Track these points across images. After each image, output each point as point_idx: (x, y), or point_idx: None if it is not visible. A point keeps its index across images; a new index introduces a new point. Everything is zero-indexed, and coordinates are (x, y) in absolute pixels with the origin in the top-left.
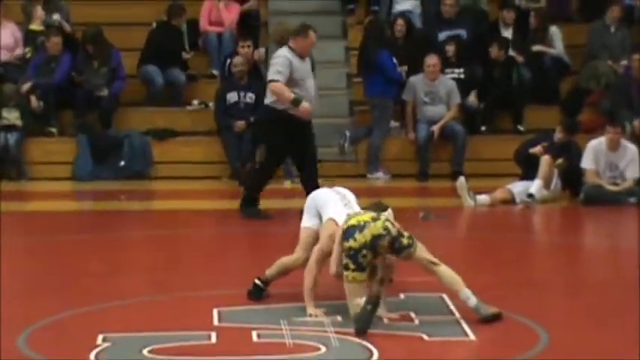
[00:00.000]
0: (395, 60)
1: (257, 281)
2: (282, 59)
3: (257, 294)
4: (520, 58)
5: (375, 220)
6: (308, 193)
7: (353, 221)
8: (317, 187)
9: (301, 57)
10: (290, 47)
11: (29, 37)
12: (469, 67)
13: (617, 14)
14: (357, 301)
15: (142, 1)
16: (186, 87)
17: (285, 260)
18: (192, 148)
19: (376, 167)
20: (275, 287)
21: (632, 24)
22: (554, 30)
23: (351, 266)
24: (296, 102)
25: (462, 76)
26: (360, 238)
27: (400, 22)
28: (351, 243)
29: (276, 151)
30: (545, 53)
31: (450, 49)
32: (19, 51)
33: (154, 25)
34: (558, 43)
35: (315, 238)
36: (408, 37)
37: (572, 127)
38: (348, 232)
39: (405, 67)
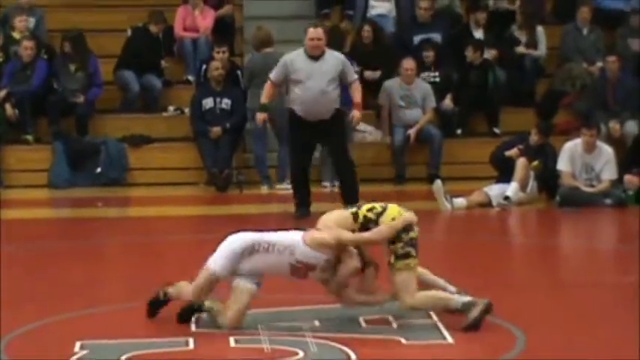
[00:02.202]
0: (356, 66)
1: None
2: (281, 60)
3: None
4: (493, 53)
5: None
6: (342, 197)
7: (408, 214)
8: (352, 189)
9: (311, 56)
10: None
11: (8, 44)
12: (444, 70)
13: (587, 16)
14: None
15: (118, 8)
16: (162, 93)
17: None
18: (169, 154)
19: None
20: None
21: (612, 26)
22: (540, 30)
23: (414, 254)
24: (261, 107)
25: (438, 79)
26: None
27: (367, 27)
28: (411, 234)
29: (290, 146)
30: (525, 55)
31: (428, 53)
32: None
33: (129, 31)
34: (542, 44)
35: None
36: (379, 42)
37: (547, 129)
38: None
39: (379, 72)
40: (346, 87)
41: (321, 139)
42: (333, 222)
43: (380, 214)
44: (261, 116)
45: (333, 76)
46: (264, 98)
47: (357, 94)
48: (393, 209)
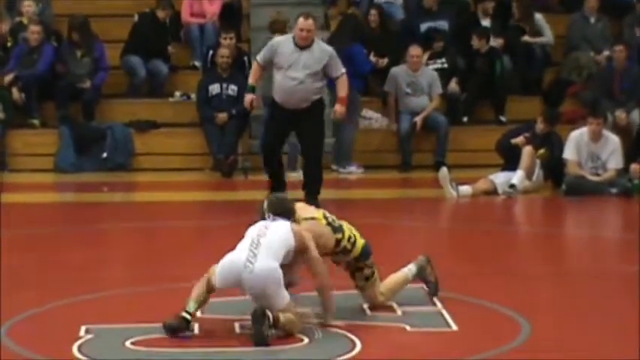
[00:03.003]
0: (367, 54)
1: (184, 314)
2: (269, 43)
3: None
4: (499, 41)
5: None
6: (304, 187)
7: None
8: (314, 178)
9: (298, 45)
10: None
11: (17, 30)
12: (451, 58)
13: (594, 4)
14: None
15: None
16: (169, 79)
17: (201, 286)
18: (175, 139)
19: (349, 161)
20: None
21: (619, 15)
22: (539, 17)
23: (374, 268)
24: (248, 88)
25: (445, 65)
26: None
27: (373, 12)
28: (371, 258)
29: (265, 130)
30: (533, 44)
31: (438, 43)
32: None
33: (136, 16)
34: (547, 31)
35: None
36: (386, 28)
37: (553, 117)
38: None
39: (386, 59)
40: (356, 74)
41: (296, 128)
42: (317, 236)
43: (352, 246)
44: (249, 97)
45: (315, 70)
46: (250, 79)
47: (342, 88)
48: (358, 246)
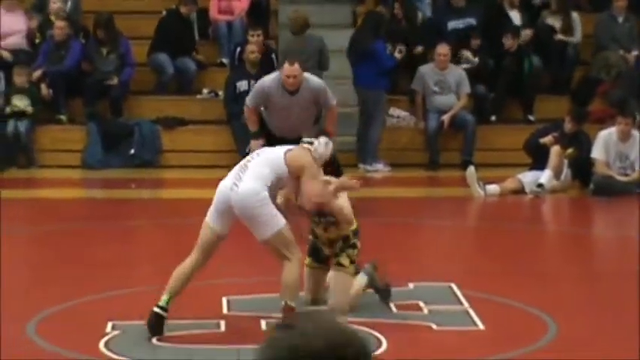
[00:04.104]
0: (389, 48)
1: (157, 309)
2: (257, 86)
3: (158, 327)
4: (527, 33)
5: None
6: None
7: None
8: None
9: (287, 90)
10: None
11: (45, 27)
12: (480, 56)
13: (622, 3)
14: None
15: None
16: (196, 75)
17: (181, 269)
18: (202, 136)
19: (375, 159)
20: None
21: None
22: (576, 16)
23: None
24: (253, 135)
25: (475, 62)
26: None
27: (397, 5)
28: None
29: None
30: (560, 42)
31: (475, 42)
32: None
33: (164, 13)
34: (577, 31)
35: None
36: (410, 21)
37: (581, 116)
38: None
39: (403, 48)
40: (381, 72)
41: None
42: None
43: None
44: (258, 143)
45: (310, 106)
46: (252, 127)
47: (330, 122)
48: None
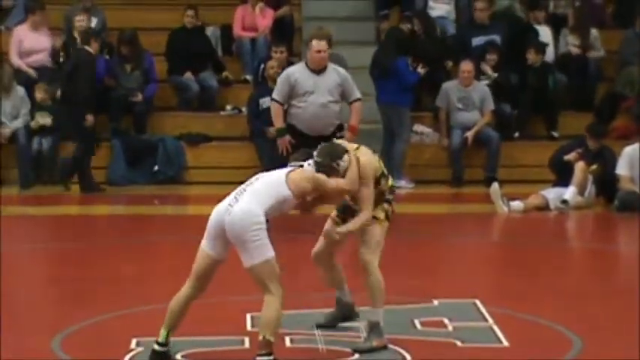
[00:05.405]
0: (411, 66)
1: (156, 347)
2: (282, 76)
3: None
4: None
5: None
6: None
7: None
8: None
9: (313, 70)
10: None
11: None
12: (503, 73)
13: None
14: None
15: (174, 6)
16: (220, 92)
17: (177, 301)
18: (226, 153)
19: (399, 176)
20: (307, 292)
21: None
22: (595, 33)
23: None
24: (278, 132)
25: (498, 80)
26: None
27: (416, 21)
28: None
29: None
30: (585, 58)
31: (491, 57)
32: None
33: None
34: (599, 48)
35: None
36: (431, 37)
37: (599, 132)
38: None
39: (425, 68)
40: (403, 88)
41: None
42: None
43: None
44: (284, 140)
45: (336, 90)
46: (277, 123)
47: (355, 116)
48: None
